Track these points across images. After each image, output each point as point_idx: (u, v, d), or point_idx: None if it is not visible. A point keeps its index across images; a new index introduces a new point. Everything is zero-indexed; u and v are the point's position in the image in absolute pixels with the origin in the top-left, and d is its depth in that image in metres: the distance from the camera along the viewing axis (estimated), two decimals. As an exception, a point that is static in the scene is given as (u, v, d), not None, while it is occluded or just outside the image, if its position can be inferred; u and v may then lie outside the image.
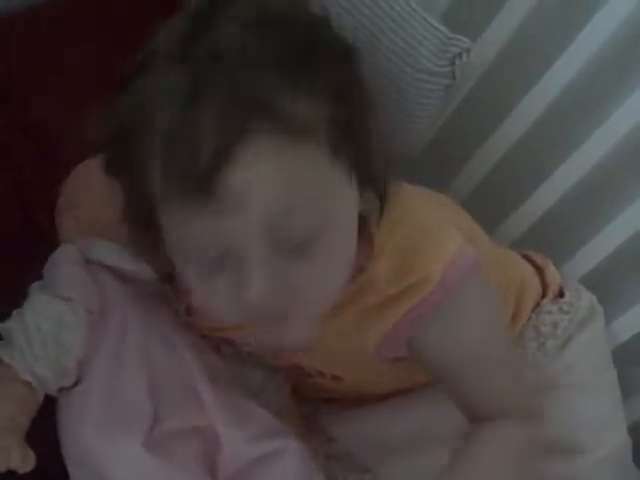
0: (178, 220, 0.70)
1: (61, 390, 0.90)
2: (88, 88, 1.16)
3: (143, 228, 0.77)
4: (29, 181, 1.09)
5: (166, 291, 0.97)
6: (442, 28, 1.06)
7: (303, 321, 0.79)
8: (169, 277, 0.95)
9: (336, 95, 0.70)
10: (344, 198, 0.73)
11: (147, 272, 0.96)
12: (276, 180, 0.67)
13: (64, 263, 0.95)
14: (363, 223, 0.77)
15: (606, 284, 1.19)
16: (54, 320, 0.89)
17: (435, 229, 0.83)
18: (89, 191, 1.03)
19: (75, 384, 0.90)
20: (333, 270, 0.75)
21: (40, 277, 0.95)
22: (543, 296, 1.11)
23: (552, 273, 1.13)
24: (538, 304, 1.10)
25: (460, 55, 1.06)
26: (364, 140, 0.73)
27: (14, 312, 0.90)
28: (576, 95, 1.13)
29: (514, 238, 1.28)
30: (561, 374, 1.08)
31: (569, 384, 1.06)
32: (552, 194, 1.22)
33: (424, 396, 1.00)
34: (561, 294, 1.12)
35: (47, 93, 1.16)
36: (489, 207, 1.26)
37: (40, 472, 0.84)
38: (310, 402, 1.06)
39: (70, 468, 0.89)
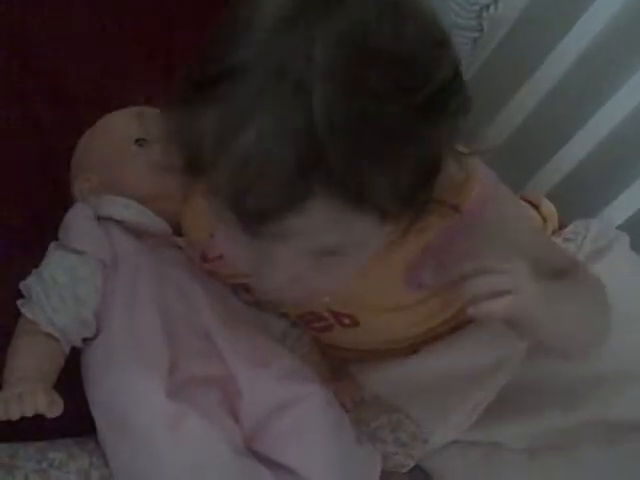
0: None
1: (84, 341, 0.92)
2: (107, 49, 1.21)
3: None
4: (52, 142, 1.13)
5: (179, 241, 0.99)
6: (469, -20, 1.05)
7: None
8: (178, 229, 0.99)
9: (417, 174, 0.68)
10: (379, 241, 0.75)
11: (158, 224, 0.99)
12: (325, 233, 0.69)
13: (76, 220, 0.98)
14: None
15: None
16: (69, 273, 0.92)
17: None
18: (98, 152, 1.06)
19: (96, 335, 0.92)
20: (347, 275, 0.79)
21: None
22: None
23: (547, 207, 1.12)
24: None
25: (487, 7, 1.05)
26: (421, 205, 0.72)
27: (33, 271, 0.94)
28: (603, 49, 1.11)
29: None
30: None
31: None
32: (577, 152, 1.21)
33: (450, 342, 0.99)
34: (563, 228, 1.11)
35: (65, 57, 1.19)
36: (516, 164, 1.25)
37: (68, 425, 0.87)
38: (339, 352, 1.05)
39: (96, 417, 0.89)
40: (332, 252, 0.72)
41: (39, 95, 1.17)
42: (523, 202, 1.12)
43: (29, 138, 1.13)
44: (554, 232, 1.10)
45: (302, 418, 0.90)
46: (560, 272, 0.87)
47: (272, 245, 0.71)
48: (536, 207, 1.12)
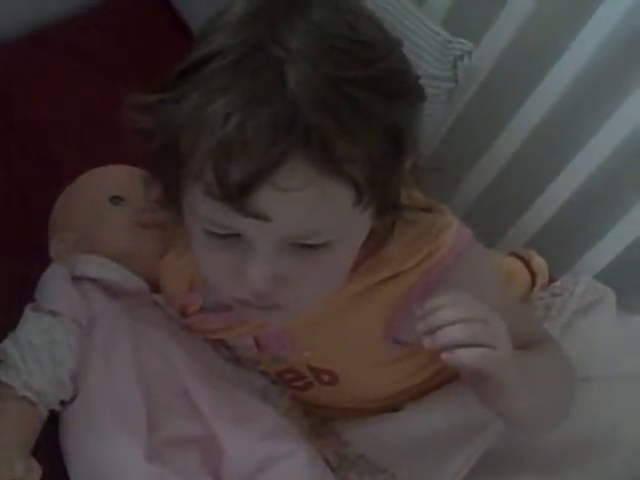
0: (203, 200, 0.71)
1: (62, 404, 0.89)
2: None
3: (166, 176, 0.78)
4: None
5: (157, 298, 0.99)
6: (442, 32, 1.06)
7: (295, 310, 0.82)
8: (156, 286, 0.99)
9: (385, 141, 0.71)
10: (358, 226, 0.77)
11: (134, 282, 0.98)
12: (302, 210, 0.70)
13: (51, 281, 0.97)
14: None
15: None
16: (45, 335, 0.91)
17: (434, 211, 0.87)
18: (74, 211, 1.06)
19: (74, 397, 0.90)
20: (332, 273, 0.79)
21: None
22: (533, 286, 1.11)
23: (538, 262, 1.12)
24: (527, 297, 1.09)
25: (462, 58, 1.06)
26: (390, 184, 0.75)
27: (9, 334, 0.92)
28: (576, 97, 1.12)
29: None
30: None
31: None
32: (554, 200, 1.21)
33: (432, 400, 0.97)
34: (552, 282, 1.11)
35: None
36: (493, 214, 1.25)
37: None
38: (320, 410, 1.03)
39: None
40: (312, 245, 0.73)
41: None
42: (513, 257, 1.13)
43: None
44: (542, 286, 1.10)
45: (286, 477, 0.89)
46: (530, 343, 0.87)
47: (253, 235, 0.72)
48: (526, 262, 1.12)
